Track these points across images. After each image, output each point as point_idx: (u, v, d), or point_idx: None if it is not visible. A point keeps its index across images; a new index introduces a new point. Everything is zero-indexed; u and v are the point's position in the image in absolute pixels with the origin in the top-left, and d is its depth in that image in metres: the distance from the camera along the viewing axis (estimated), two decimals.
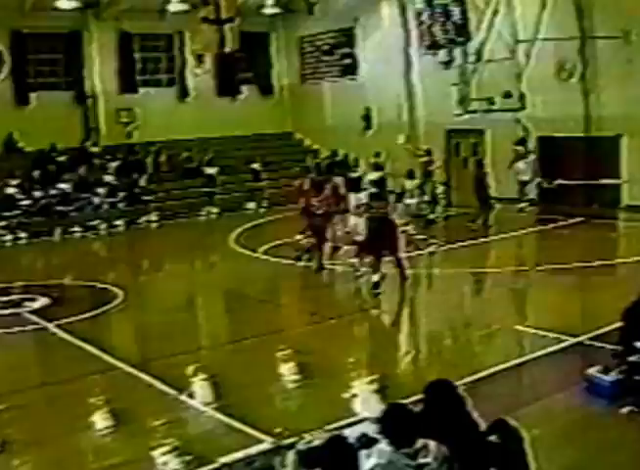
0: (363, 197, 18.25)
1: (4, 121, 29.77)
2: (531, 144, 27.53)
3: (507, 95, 27.53)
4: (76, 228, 27.46)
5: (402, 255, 16.66)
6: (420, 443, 5.68)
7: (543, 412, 9.33)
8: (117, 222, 28.52)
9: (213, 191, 31.59)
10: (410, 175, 25.97)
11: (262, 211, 30.95)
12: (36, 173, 29.22)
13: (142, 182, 30.77)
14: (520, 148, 27.23)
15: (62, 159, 30.44)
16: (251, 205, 31.58)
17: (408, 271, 16.66)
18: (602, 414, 9.43)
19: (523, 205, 26.52)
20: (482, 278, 18.57)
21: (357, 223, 17.24)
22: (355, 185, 22.37)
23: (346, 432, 6.52)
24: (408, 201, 23.71)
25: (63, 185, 28.89)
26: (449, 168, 30.49)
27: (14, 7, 29.83)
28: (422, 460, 5.65)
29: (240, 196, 32.08)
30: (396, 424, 5.74)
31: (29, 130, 29.92)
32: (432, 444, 5.71)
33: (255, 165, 32.92)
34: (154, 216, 29.58)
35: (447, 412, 5.94)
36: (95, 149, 32.00)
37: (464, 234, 22.27)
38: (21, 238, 26.26)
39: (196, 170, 32.23)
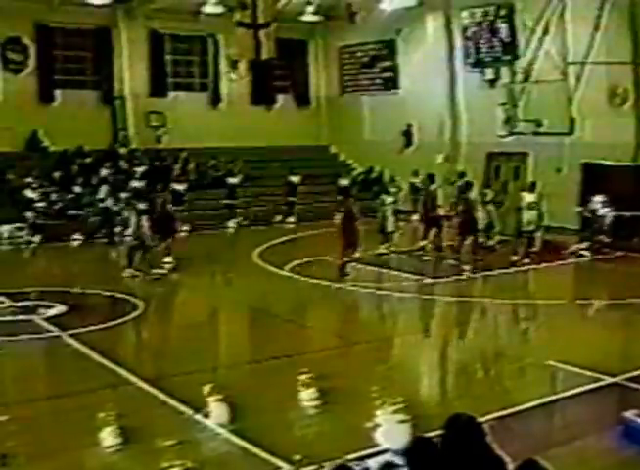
0: None
1: (27, 118, 28.64)
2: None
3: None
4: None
5: None
6: None
7: (576, 454, 8.79)
8: None
9: (233, 203, 30.06)
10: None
11: (292, 226, 29.26)
12: (57, 175, 28.09)
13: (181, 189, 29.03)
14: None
15: (88, 160, 29.30)
16: (279, 218, 29.96)
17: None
18: (638, 462, 8.80)
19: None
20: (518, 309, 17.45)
21: None
22: None
23: (369, 462, 6.49)
24: None
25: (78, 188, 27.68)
26: None
27: None
28: None
29: (270, 209, 30.46)
30: (422, 458, 5.59)
31: (55, 129, 28.81)
32: None
33: (294, 179, 30.27)
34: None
35: (468, 448, 5.58)
36: (123, 150, 30.80)
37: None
38: (32, 242, 25.14)
39: (221, 180, 30.74)
